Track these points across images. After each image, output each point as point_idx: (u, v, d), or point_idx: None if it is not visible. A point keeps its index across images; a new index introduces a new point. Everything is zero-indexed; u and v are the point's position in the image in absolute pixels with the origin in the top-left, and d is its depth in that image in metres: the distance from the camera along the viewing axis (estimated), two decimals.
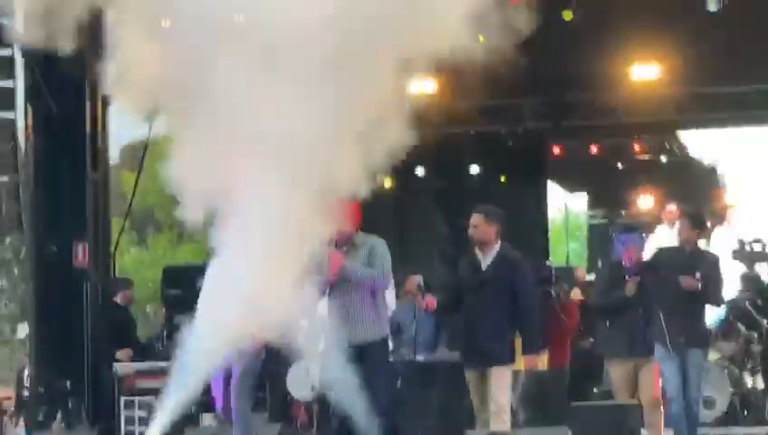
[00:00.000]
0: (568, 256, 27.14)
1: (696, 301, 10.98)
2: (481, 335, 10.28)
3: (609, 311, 11.54)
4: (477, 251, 10.24)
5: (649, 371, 11.13)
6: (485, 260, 10.22)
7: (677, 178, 20.36)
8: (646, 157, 20.43)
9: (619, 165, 20.50)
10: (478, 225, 10.19)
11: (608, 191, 21.85)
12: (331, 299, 10.28)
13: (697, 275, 10.82)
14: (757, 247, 14.96)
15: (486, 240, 10.23)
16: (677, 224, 11.50)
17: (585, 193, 23.83)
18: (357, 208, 10.42)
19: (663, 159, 20.39)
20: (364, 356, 10.12)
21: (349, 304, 10.19)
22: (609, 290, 11.77)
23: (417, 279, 11.46)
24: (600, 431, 10.20)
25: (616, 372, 11.21)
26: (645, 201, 19.89)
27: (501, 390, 10.16)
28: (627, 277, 11.20)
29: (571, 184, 21.66)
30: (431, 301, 10.87)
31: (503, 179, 16.65)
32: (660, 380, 11.24)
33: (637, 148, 20.18)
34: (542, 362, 12.35)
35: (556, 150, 18.19)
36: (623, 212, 20.33)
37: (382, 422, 10.31)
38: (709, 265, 11.19)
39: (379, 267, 10.23)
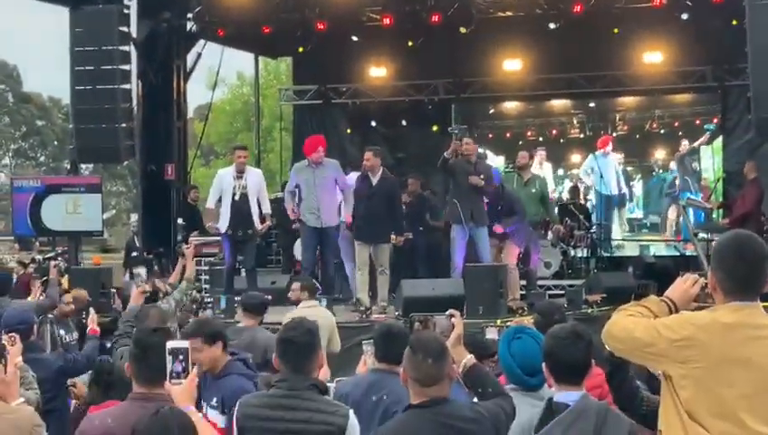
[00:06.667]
0: None
1: (480, 193, 12.17)
2: (371, 223, 12.03)
3: None
4: (369, 174, 12.05)
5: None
6: (374, 179, 12.06)
7: None
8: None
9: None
10: (369, 158, 12.01)
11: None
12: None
13: (481, 176, 12.16)
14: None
15: (374, 167, 12.02)
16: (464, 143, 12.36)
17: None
18: (323, 140, 12.22)
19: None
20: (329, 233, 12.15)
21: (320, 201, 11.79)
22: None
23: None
24: (483, 284, 11.77)
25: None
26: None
27: (385, 258, 12.27)
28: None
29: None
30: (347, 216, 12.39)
31: (434, 129, 18.13)
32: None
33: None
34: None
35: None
36: None
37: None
38: (487, 171, 12.39)
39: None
